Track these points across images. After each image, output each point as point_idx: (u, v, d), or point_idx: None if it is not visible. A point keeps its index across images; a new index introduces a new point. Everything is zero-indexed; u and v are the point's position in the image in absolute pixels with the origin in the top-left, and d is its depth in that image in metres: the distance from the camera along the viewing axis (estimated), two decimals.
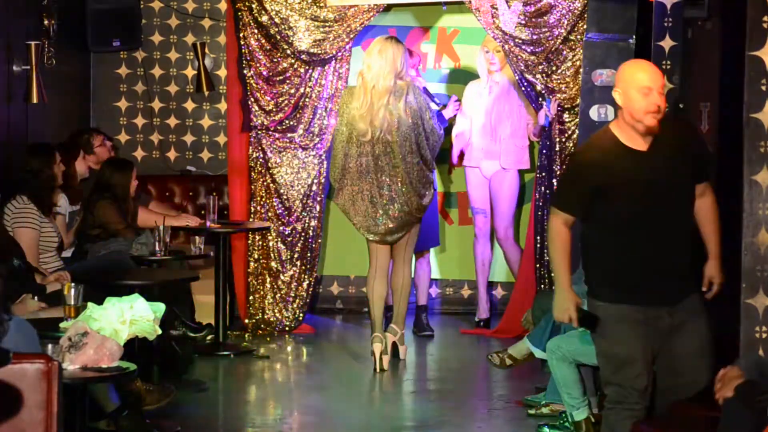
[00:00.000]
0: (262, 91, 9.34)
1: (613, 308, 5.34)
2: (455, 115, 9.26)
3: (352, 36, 9.27)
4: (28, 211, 7.54)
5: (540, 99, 9.12)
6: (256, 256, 9.45)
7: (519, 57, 8.99)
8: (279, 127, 9.38)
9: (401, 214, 8.20)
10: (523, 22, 8.95)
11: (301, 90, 9.33)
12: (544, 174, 9.13)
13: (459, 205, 10.00)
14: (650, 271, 5.26)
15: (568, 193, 5.45)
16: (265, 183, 9.43)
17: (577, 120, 8.99)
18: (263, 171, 9.42)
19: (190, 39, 10.37)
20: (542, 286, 9.09)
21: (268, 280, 9.44)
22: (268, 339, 9.25)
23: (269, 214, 9.42)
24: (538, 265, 9.17)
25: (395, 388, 8.10)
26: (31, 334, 4.90)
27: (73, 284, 6.03)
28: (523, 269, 9.28)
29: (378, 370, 8.22)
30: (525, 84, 9.09)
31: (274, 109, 9.35)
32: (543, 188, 9.14)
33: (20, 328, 4.76)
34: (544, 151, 9.15)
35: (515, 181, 9.45)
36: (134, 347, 5.87)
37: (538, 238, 9.16)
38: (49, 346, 5.05)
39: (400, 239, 8.36)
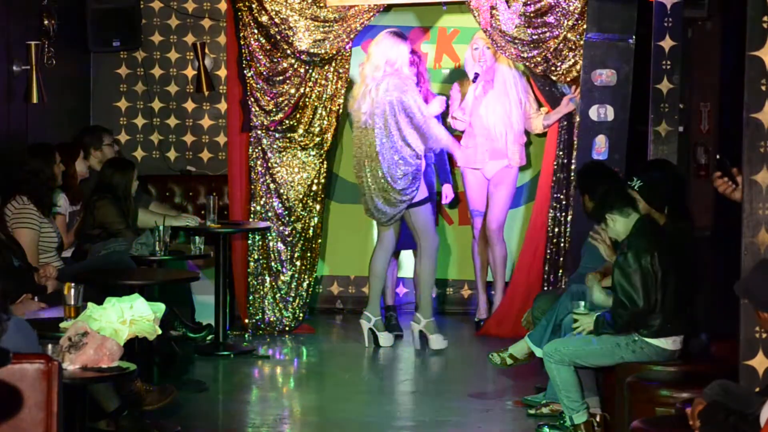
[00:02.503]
0: (262, 91, 9.35)
1: None
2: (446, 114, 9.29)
3: (352, 36, 9.27)
4: (28, 211, 7.54)
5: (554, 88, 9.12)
6: (256, 256, 9.45)
7: (519, 57, 8.99)
8: (279, 127, 9.39)
9: (383, 195, 8.66)
10: (522, 22, 8.95)
11: (301, 90, 9.33)
12: (562, 171, 9.12)
13: (459, 204, 9.99)
14: None
15: None
16: (265, 183, 9.43)
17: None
18: (263, 171, 9.42)
19: (190, 39, 10.37)
20: (546, 286, 9.10)
21: (268, 280, 9.44)
22: (268, 339, 9.25)
23: (269, 214, 9.42)
24: (546, 267, 9.17)
25: (395, 387, 8.10)
26: (31, 334, 4.90)
27: (73, 284, 6.03)
28: (526, 269, 9.24)
29: (366, 345, 8.87)
30: (539, 75, 9.07)
31: (274, 109, 9.36)
32: (561, 187, 9.11)
33: (20, 328, 4.77)
34: (562, 151, 9.13)
35: (515, 177, 9.42)
36: (134, 347, 5.86)
37: (557, 230, 9.11)
38: (49, 346, 5.05)
39: (392, 221, 8.80)
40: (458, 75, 9.85)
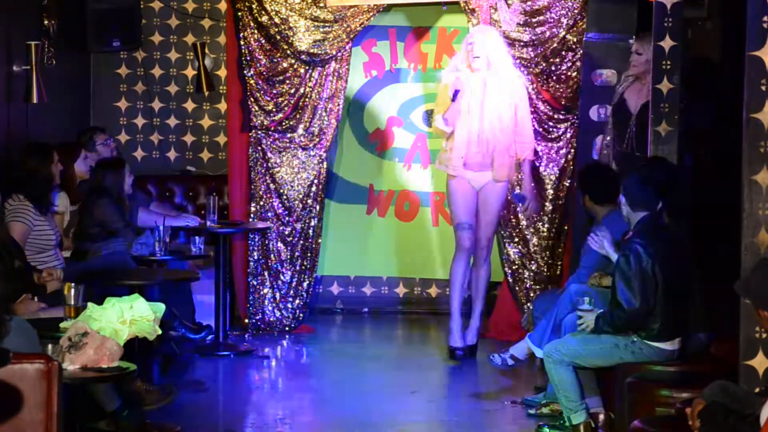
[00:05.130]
0: (262, 91, 9.35)
1: None
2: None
3: (352, 36, 9.28)
4: (24, 207, 7.55)
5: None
6: (256, 256, 9.45)
7: (516, 57, 8.99)
8: (279, 127, 9.39)
9: None
10: (522, 22, 8.95)
11: (301, 90, 9.33)
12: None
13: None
14: None
15: None
16: (265, 183, 9.43)
17: (567, 123, 9.04)
18: (263, 171, 9.42)
19: (190, 39, 10.38)
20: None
21: (268, 280, 9.44)
22: (268, 339, 9.25)
23: (269, 214, 9.42)
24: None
25: (395, 388, 8.09)
26: (31, 334, 4.90)
27: (73, 284, 6.03)
28: None
29: None
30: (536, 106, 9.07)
31: (274, 109, 9.36)
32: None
33: (20, 328, 4.76)
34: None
35: (505, 192, 8.66)
36: (134, 347, 5.87)
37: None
38: (49, 346, 5.05)
39: None
40: None
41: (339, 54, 9.31)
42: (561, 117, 9.13)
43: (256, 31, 9.30)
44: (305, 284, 9.49)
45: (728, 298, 5.38)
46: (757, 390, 4.75)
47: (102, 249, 8.16)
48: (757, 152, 4.95)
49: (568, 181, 9.14)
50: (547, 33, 8.98)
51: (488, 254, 8.70)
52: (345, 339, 9.57)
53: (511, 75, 8.61)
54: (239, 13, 9.30)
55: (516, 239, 9.33)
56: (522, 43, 8.96)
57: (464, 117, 8.43)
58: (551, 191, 9.19)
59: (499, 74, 8.50)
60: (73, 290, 5.99)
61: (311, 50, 9.23)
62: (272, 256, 9.45)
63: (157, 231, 8.10)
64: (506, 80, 8.53)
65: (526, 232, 9.31)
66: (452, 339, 8.66)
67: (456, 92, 8.42)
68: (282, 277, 9.46)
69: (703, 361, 6.48)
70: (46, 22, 8.95)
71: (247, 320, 9.44)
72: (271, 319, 9.43)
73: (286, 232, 9.46)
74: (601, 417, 6.67)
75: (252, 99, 9.36)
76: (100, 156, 8.89)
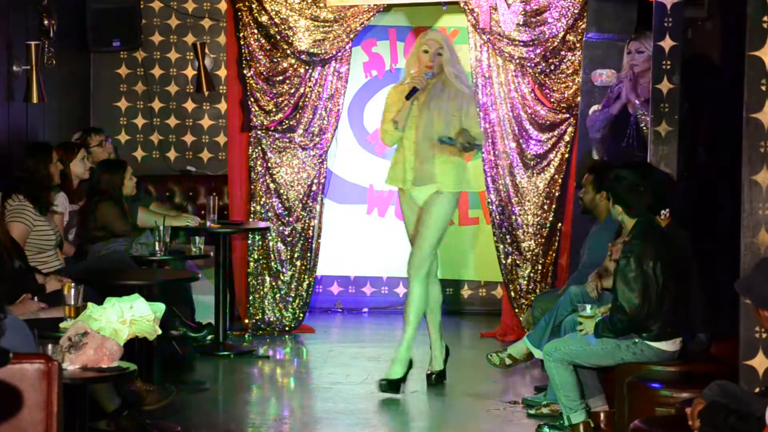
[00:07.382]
0: (262, 91, 9.36)
1: None
2: None
3: (352, 36, 9.28)
4: (23, 207, 7.55)
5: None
6: (256, 256, 9.46)
7: (517, 58, 8.99)
8: (279, 127, 9.40)
9: None
10: (521, 22, 8.96)
11: (301, 90, 9.34)
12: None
13: (459, 205, 9.96)
14: None
15: None
16: (265, 183, 9.43)
17: (566, 123, 9.05)
18: (263, 171, 9.42)
19: (190, 39, 10.38)
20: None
21: (268, 280, 9.45)
22: (268, 339, 9.25)
23: (269, 214, 9.43)
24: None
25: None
26: (27, 332, 4.90)
27: (73, 284, 6.02)
28: None
29: None
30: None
31: (274, 109, 9.37)
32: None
33: (15, 327, 4.76)
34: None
35: (448, 205, 7.66)
36: (134, 347, 5.86)
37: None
38: (49, 346, 5.05)
39: None
40: None
41: (339, 54, 9.32)
42: (560, 117, 9.14)
43: (256, 31, 9.30)
44: (305, 284, 9.50)
45: (728, 298, 5.38)
46: (757, 390, 4.75)
47: (102, 249, 8.16)
48: (757, 152, 4.95)
49: (566, 180, 9.14)
50: (547, 33, 8.99)
51: (421, 275, 7.70)
52: (345, 339, 9.56)
53: (460, 86, 7.54)
54: (239, 13, 9.31)
55: (508, 239, 9.34)
56: (522, 43, 8.97)
57: (410, 122, 7.51)
58: (547, 190, 9.20)
59: (449, 82, 7.53)
60: (73, 290, 5.98)
61: (311, 50, 9.23)
62: (272, 256, 9.46)
63: (157, 231, 8.10)
64: (454, 89, 7.52)
65: (519, 232, 9.32)
66: (431, 363, 7.92)
67: (413, 90, 7.43)
68: (282, 277, 9.46)
69: (703, 361, 6.48)
70: (46, 22, 8.95)
71: (247, 320, 9.45)
72: (271, 319, 9.43)
73: (286, 232, 9.47)
74: (603, 415, 6.67)
75: (252, 99, 9.37)
76: (97, 157, 8.87)
